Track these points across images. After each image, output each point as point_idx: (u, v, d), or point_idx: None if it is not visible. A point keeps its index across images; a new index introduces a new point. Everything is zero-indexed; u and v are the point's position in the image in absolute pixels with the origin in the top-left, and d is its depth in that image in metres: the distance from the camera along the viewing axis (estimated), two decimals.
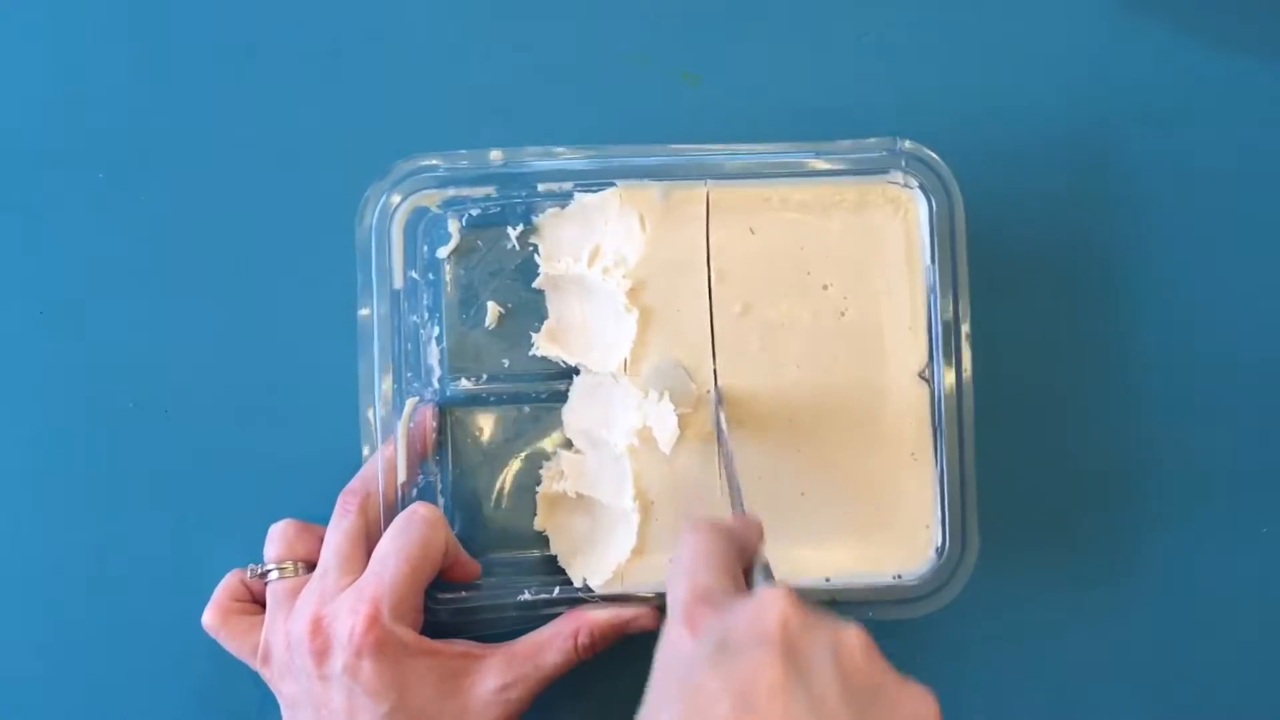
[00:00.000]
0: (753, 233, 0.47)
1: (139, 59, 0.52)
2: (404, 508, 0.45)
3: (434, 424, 0.48)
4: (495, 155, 0.46)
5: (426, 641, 0.44)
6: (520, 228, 0.49)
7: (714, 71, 0.52)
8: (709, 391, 0.47)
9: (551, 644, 0.45)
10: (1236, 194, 0.52)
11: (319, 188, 0.51)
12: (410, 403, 0.47)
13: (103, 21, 0.52)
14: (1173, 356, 0.52)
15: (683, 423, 0.46)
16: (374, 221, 0.46)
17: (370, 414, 0.46)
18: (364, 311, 0.46)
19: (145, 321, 0.51)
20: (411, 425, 0.47)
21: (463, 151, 0.46)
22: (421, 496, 0.47)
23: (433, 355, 0.49)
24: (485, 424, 0.50)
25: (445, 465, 0.49)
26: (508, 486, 0.50)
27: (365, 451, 0.46)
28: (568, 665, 0.45)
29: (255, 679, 0.46)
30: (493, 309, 0.49)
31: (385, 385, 0.46)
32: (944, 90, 0.52)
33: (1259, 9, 0.53)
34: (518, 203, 0.49)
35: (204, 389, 0.51)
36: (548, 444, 0.50)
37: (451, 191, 0.47)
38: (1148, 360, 0.52)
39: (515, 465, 0.50)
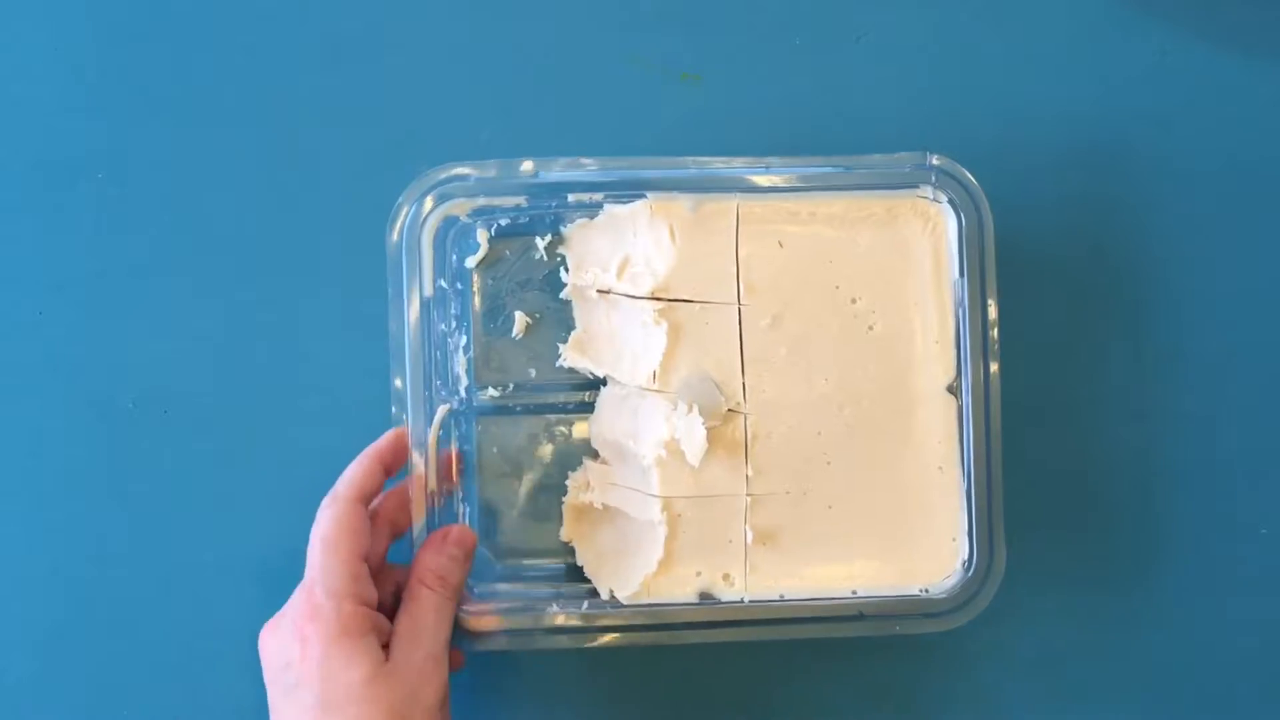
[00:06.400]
0: (782, 246, 0.47)
1: (142, 59, 0.52)
2: (435, 515, 0.46)
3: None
4: (526, 166, 0.46)
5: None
6: (548, 238, 0.49)
7: (714, 71, 0.52)
8: (738, 404, 0.47)
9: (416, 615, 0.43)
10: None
11: (329, 191, 0.52)
12: (441, 410, 0.47)
13: (107, 22, 0.52)
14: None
15: (710, 435, 0.46)
16: (405, 230, 0.46)
17: (402, 421, 0.46)
18: (394, 319, 0.46)
19: (145, 321, 0.51)
20: (441, 450, 0.47)
21: (492, 161, 0.46)
22: (448, 505, 0.47)
23: (460, 364, 0.49)
24: (511, 433, 0.50)
25: (471, 474, 0.49)
26: (533, 496, 0.50)
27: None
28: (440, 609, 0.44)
29: (256, 677, 0.45)
30: (520, 319, 0.49)
31: (416, 392, 0.46)
32: (942, 90, 0.53)
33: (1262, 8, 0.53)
34: (547, 213, 0.49)
35: (206, 389, 0.51)
36: (574, 454, 0.50)
37: (482, 200, 0.47)
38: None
39: (541, 475, 0.50)
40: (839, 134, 0.52)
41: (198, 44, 0.52)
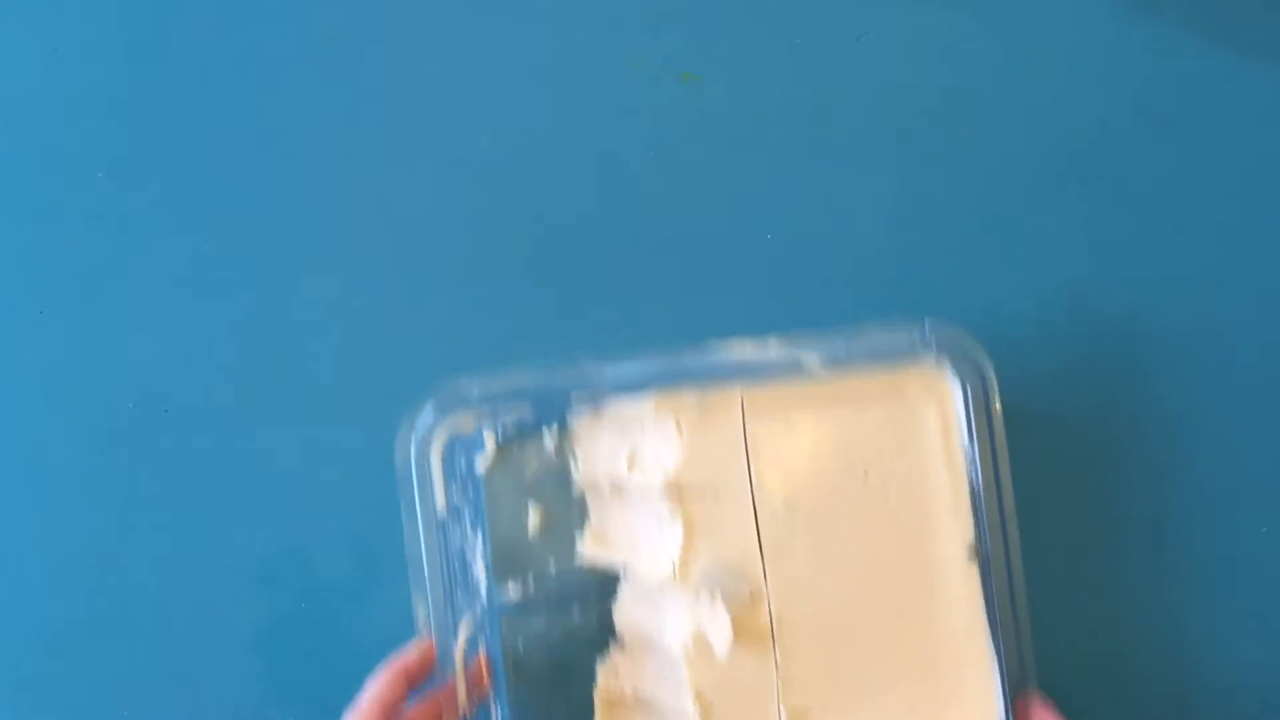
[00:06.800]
0: (790, 429, 0.47)
1: (142, 59, 0.53)
2: None
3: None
4: (526, 377, 0.47)
5: None
6: (556, 433, 0.49)
7: (714, 71, 0.52)
8: (760, 590, 0.47)
9: None
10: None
11: (331, 189, 0.52)
12: (465, 625, 0.47)
13: (107, 22, 0.53)
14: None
15: (735, 623, 0.46)
16: (413, 454, 0.46)
17: (426, 631, 0.46)
18: (410, 542, 0.46)
19: (145, 321, 0.51)
20: (468, 662, 0.47)
21: (496, 376, 0.47)
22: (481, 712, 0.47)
23: (479, 569, 0.49)
24: (536, 629, 0.50)
25: (500, 674, 0.49)
26: (564, 689, 0.49)
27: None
28: None
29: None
30: (535, 515, 0.49)
31: (438, 611, 0.46)
32: (941, 90, 0.53)
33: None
34: (552, 414, 0.49)
35: (206, 389, 0.51)
36: (601, 644, 0.50)
37: (486, 411, 0.48)
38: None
39: (570, 667, 0.50)
40: (839, 135, 0.52)
41: (198, 43, 0.53)
